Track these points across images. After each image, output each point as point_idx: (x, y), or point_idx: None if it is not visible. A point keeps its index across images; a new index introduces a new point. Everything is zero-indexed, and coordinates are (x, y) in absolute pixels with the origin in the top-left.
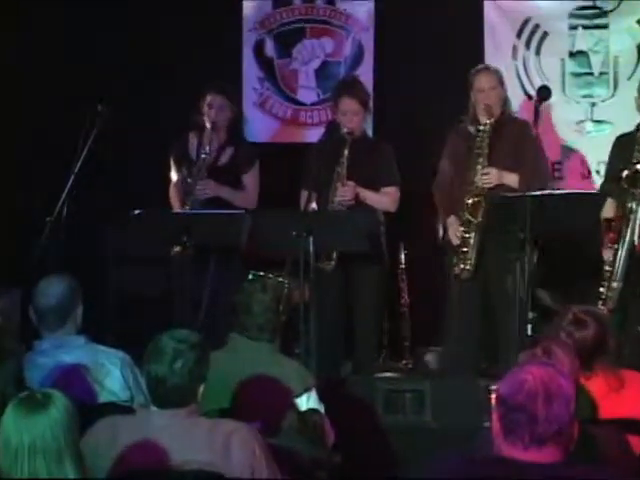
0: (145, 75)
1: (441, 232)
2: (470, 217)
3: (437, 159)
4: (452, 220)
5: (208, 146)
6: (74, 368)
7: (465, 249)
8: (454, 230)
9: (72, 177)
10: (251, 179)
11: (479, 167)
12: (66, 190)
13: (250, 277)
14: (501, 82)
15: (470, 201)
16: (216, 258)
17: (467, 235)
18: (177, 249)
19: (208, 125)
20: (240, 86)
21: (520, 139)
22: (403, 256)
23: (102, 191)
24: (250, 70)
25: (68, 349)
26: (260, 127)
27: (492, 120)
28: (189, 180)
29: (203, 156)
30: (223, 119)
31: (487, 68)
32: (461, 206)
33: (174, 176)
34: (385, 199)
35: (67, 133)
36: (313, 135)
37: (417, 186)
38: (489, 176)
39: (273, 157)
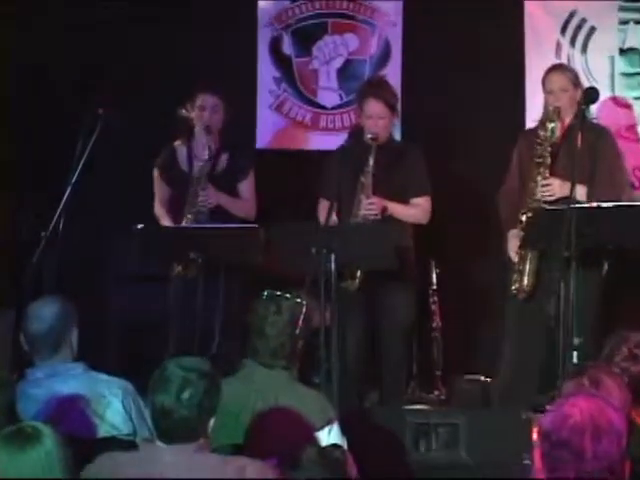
0: (148, 75)
1: (505, 246)
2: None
3: (470, 166)
4: (513, 234)
5: (207, 150)
6: (71, 399)
7: (521, 267)
8: (513, 245)
9: (69, 188)
10: (248, 187)
11: (539, 178)
12: (62, 202)
13: (264, 296)
14: (575, 83)
15: (524, 217)
16: (222, 278)
17: (523, 252)
18: (178, 269)
19: (199, 129)
20: (254, 87)
21: (595, 147)
22: (434, 274)
23: (102, 203)
24: (265, 70)
25: (64, 378)
26: (276, 133)
27: (557, 125)
28: (193, 190)
29: (202, 163)
30: (217, 122)
31: (559, 67)
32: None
33: (161, 192)
34: (415, 211)
35: (64, 139)
36: (335, 142)
37: (450, 196)
38: (550, 187)
39: (290, 166)
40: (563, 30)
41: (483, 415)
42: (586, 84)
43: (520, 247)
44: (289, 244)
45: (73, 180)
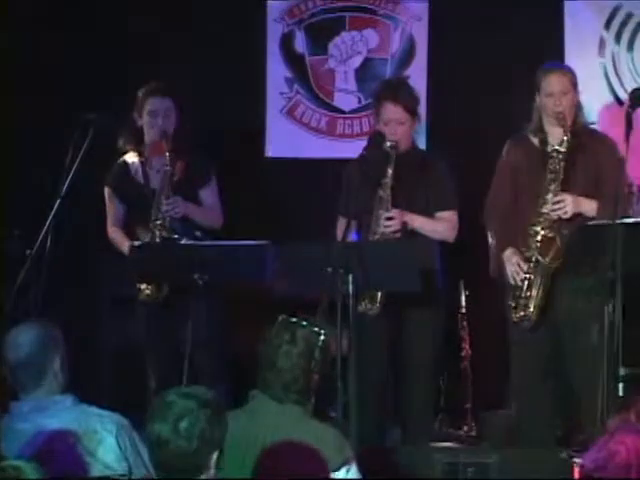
0: (146, 75)
1: (492, 266)
2: (539, 257)
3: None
4: (509, 254)
5: (167, 156)
6: (60, 435)
7: (528, 293)
8: (513, 267)
9: (58, 201)
10: (211, 193)
11: (550, 195)
12: (50, 217)
13: (278, 323)
14: (575, 85)
15: (540, 237)
16: (203, 300)
17: (531, 277)
18: (146, 291)
19: (152, 136)
20: (263, 89)
21: (602, 158)
22: (464, 297)
23: (94, 218)
24: (276, 70)
25: (52, 412)
26: (287, 139)
27: (569, 137)
28: (156, 201)
29: (160, 172)
30: (170, 126)
31: (559, 67)
32: (522, 238)
33: (115, 211)
34: (440, 227)
35: (52, 146)
36: (353, 149)
37: (480, 210)
38: (563, 204)
39: (304, 176)
40: (607, 26)
41: (517, 454)
42: (632, 85)
43: (528, 271)
44: (302, 264)
45: (62, 193)
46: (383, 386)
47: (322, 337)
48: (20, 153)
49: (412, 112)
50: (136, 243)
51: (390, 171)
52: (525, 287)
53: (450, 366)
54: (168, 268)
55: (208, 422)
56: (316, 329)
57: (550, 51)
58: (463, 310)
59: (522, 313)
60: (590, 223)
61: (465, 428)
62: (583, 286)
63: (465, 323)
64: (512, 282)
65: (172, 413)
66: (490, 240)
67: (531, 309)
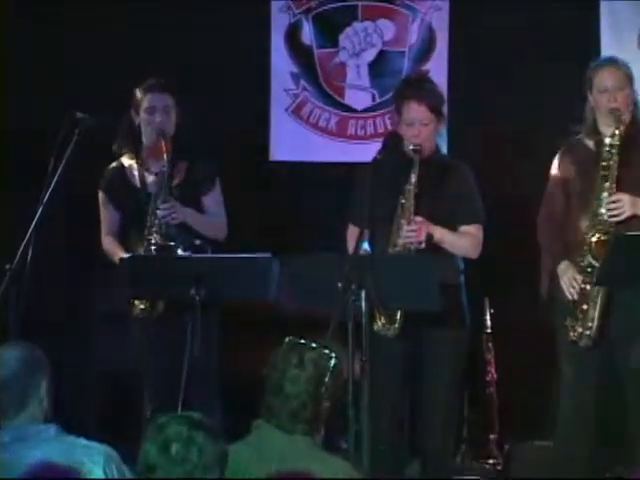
0: (142, 71)
1: (545, 284)
2: (595, 261)
3: (532, 185)
4: (565, 267)
5: (165, 157)
6: (43, 467)
7: (585, 306)
8: (569, 280)
9: (40, 209)
10: (214, 201)
11: (605, 194)
12: (32, 227)
13: (284, 345)
14: (631, 80)
15: (595, 239)
16: (193, 316)
17: (589, 287)
18: (140, 307)
19: (149, 135)
20: (266, 86)
21: None
22: (489, 317)
23: (81, 227)
24: (280, 64)
25: (35, 442)
26: (293, 141)
27: (622, 130)
28: (152, 207)
29: (157, 175)
30: (170, 125)
31: (613, 61)
32: (578, 249)
33: (110, 219)
34: (464, 242)
35: (34, 148)
36: (366, 152)
37: (506, 222)
38: (619, 204)
39: (311, 182)
40: None
41: None
42: None
43: (598, 282)
44: (310, 278)
45: (45, 199)
46: (400, 415)
47: (333, 360)
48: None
49: (437, 112)
50: (126, 255)
51: (414, 177)
52: (583, 300)
53: (474, 392)
54: (161, 283)
55: (201, 448)
56: (326, 351)
57: (584, 44)
58: (488, 330)
59: (580, 330)
60: None
61: (490, 460)
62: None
63: (490, 344)
64: (569, 296)
65: (162, 437)
66: (543, 258)
67: (590, 324)
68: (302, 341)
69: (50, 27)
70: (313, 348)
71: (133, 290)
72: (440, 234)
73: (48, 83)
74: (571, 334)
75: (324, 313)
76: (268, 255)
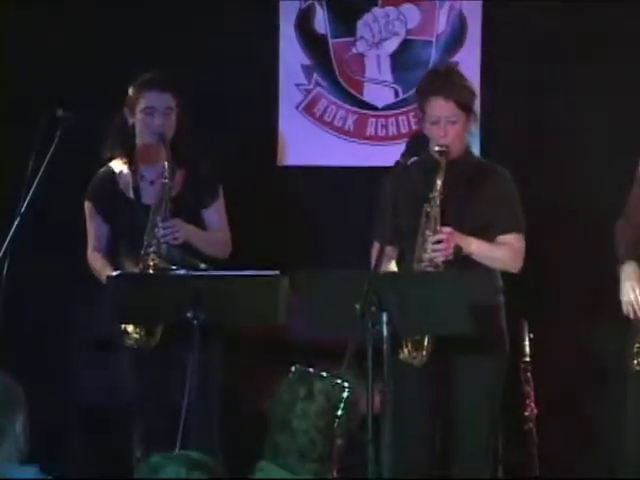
0: (133, 61)
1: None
2: None
3: (579, 191)
4: (631, 269)
5: (164, 165)
6: None
7: None
8: (630, 288)
9: (17, 220)
10: (217, 214)
11: None
12: (7, 240)
13: (291, 375)
14: None
15: None
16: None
17: None
18: (134, 335)
19: (144, 138)
20: (274, 80)
21: None
22: (528, 342)
23: (61, 241)
24: (290, 56)
25: None
26: (305, 143)
27: None
28: (151, 223)
29: (155, 185)
30: (170, 128)
31: None
32: None
33: (97, 232)
34: (502, 253)
35: (11, 150)
36: (388, 155)
37: (550, 233)
38: None
39: (325, 190)
40: None
41: None
42: None
43: None
44: (324, 299)
45: (22, 209)
46: (427, 454)
47: (347, 391)
48: None
49: (467, 109)
50: (114, 273)
51: (439, 183)
52: None
53: (511, 428)
54: (152, 304)
55: None
56: (339, 381)
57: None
58: (527, 358)
59: None
60: None
61: None
62: None
63: (529, 375)
64: (624, 310)
65: (153, 474)
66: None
67: None
68: (311, 370)
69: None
70: (323, 378)
71: (119, 313)
72: (473, 245)
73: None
74: (634, 362)
75: (340, 339)
76: (276, 273)
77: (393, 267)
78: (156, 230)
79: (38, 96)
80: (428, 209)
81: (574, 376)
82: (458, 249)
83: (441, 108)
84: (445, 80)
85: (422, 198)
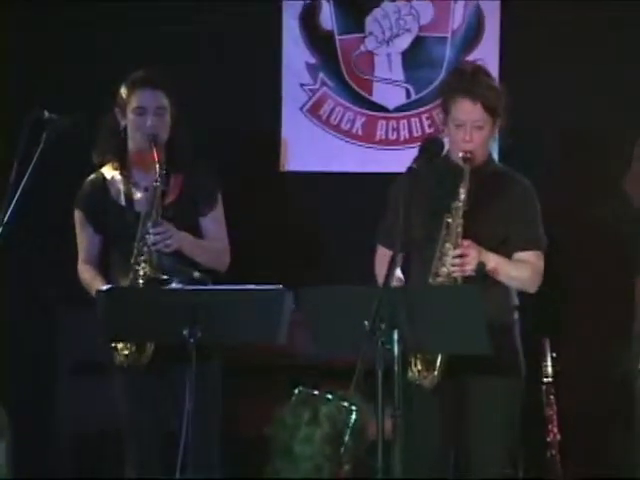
0: (127, 59)
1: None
2: None
3: (605, 196)
4: None
5: (157, 168)
6: None
7: None
8: None
9: None
10: (216, 222)
11: None
12: None
13: (294, 397)
14: None
15: None
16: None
17: None
18: (124, 352)
19: (137, 141)
20: (277, 80)
21: None
22: (549, 362)
23: (49, 254)
24: (294, 54)
25: None
26: (310, 148)
27: None
28: (141, 231)
29: (156, 184)
30: (163, 129)
31: None
32: None
33: (88, 243)
34: (523, 272)
35: None
36: (399, 161)
37: (573, 244)
38: None
39: (332, 197)
40: None
41: None
42: None
43: None
44: (329, 315)
45: (5, 219)
46: None
47: (354, 415)
48: None
49: (494, 112)
50: (104, 287)
51: (463, 192)
52: None
53: (532, 455)
54: (146, 321)
55: None
56: (346, 404)
57: None
58: (549, 379)
59: None
60: None
61: None
62: None
63: (552, 397)
64: None
65: None
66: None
67: None
68: (315, 392)
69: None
70: (329, 401)
71: (109, 331)
72: (494, 262)
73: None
74: None
75: (347, 359)
76: (279, 287)
77: (399, 274)
78: (147, 237)
79: (22, 97)
80: (449, 220)
81: (601, 398)
82: (481, 265)
83: (468, 111)
84: (472, 80)
85: (437, 207)
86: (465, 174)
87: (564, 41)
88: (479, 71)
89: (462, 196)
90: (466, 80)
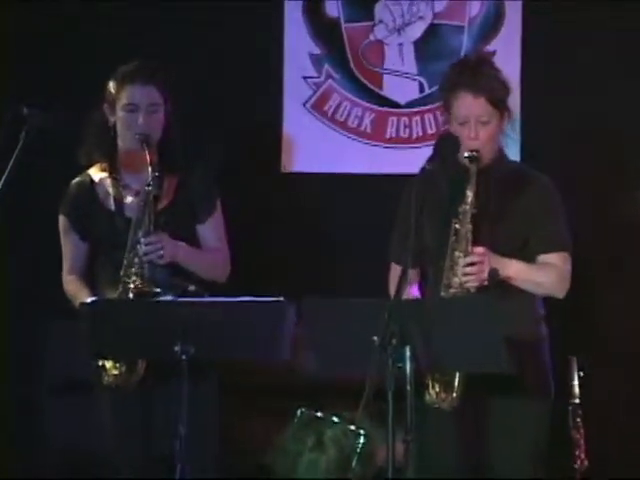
0: (118, 50)
1: None
2: None
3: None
4: None
5: (150, 171)
6: None
7: None
8: None
9: None
10: (214, 230)
11: None
12: None
13: (297, 420)
14: None
15: None
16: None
17: None
18: (113, 372)
19: (127, 140)
20: (279, 72)
21: None
22: (577, 380)
23: (30, 264)
24: (297, 44)
25: None
26: (314, 146)
27: None
28: (132, 240)
29: (148, 189)
30: (156, 128)
31: None
32: None
33: (73, 251)
34: (546, 275)
35: None
36: (412, 161)
37: (602, 251)
38: None
39: (338, 201)
40: None
41: None
42: None
43: None
44: (336, 330)
45: None
46: None
47: (362, 439)
48: None
49: (500, 106)
50: (88, 300)
51: (470, 195)
52: None
53: None
54: (134, 337)
55: None
56: (353, 428)
57: None
58: (576, 400)
59: None
60: None
61: None
62: None
63: (579, 420)
64: None
65: None
66: None
67: None
68: (319, 415)
69: None
70: (335, 424)
71: (95, 347)
72: (511, 268)
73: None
74: None
75: (355, 378)
76: (280, 299)
77: (415, 292)
78: (138, 247)
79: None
80: (457, 226)
81: (632, 422)
82: (494, 273)
83: (470, 106)
84: (474, 72)
85: (448, 210)
86: (472, 175)
87: (591, 31)
88: (482, 61)
89: (469, 199)
90: (467, 72)
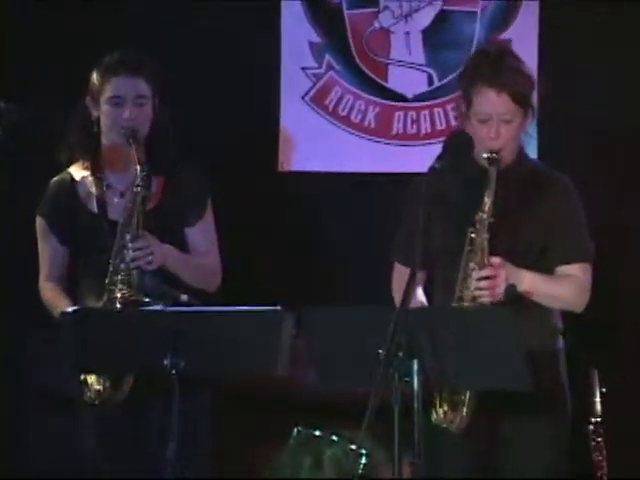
0: (106, 47)
1: None
2: None
3: None
4: None
5: (137, 169)
6: None
7: None
8: None
9: None
10: (204, 233)
11: None
12: None
13: (294, 439)
14: None
15: None
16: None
17: None
18: (96, 387)
19: (112, 135)
20: (276, 62)
21: None
22: (598, 396)
23: (5, 269)
24: (295, 32)
25: None
26: (313, 143)
27: None
28: (119, 244)
29: (136, 189)
30: (144, 122)
31: None
32: None
33: (52, 256)
34: (566, 288)
35: None
36: (420, 159)
37: (624, 259)
38: None
39: (340, 202)
40: None
41: None
42: None
43: None
44: (338, 342)
45: None
46: None
47: (364, 460)
48: None
49: (524, 103)
50: (70, 309)
51: (489, 201)
52: None
53: None
54: (120, 349)
55: None
56: (353, 447)
57: None
58: (598, 419)
59: None
60: None
61: None
62: None
63: (601, 440)
64: None
65: None
66: None
67: None
68: (318, 433)
69: None
70: (334, 443)
71: (77, 360)
72: (530, 282)
73: None
74: None
75: (357, 393)
76: (278, 308)
77: (421, 296)
78: (125, 252)
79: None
80: (473, 235)
81: None
82: (511, 288)
83: (493, 103)
84: (498, 65)
85: (462, 215)
86: (491, 179)
87: (613, 21)
88: (505, 53)
89: (487, 206)
90: (490, 65)
